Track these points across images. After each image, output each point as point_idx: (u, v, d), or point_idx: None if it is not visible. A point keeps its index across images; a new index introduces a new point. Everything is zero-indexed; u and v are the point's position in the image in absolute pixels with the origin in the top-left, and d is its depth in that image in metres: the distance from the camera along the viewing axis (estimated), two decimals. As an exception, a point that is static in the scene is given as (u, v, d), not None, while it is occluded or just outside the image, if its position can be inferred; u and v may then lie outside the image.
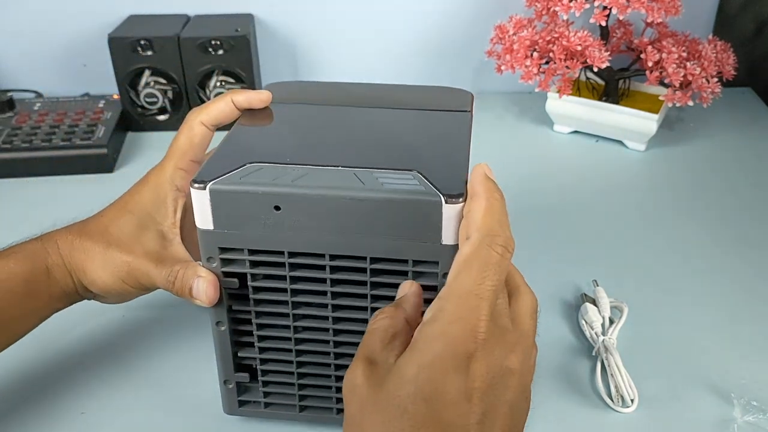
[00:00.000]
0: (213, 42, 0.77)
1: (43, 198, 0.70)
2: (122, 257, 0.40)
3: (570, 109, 0.77)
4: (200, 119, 0.42)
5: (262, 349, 0.40)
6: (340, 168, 0.35)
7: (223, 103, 0.42)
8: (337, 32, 0.87)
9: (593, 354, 0.49)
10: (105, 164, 0.74)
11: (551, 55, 0.71)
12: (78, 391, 0.47)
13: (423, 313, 0.31)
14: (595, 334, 0.50)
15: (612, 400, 0.46)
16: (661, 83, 0.73)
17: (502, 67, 0.74)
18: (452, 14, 0.86)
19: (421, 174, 0.34)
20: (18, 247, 0.42)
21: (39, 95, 0.86)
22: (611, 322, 0.51)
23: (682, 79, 0.69)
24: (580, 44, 0.69)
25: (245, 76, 0.79)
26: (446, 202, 0.33)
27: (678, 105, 0.72)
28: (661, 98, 0.75)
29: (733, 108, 0.85)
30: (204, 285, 0.36)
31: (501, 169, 0.72)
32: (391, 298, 0.36)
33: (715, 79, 0.71)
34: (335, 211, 0.34)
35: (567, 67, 0.71)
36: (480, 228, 0.30)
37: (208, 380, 0.45)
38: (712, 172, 0.74)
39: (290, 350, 0.40)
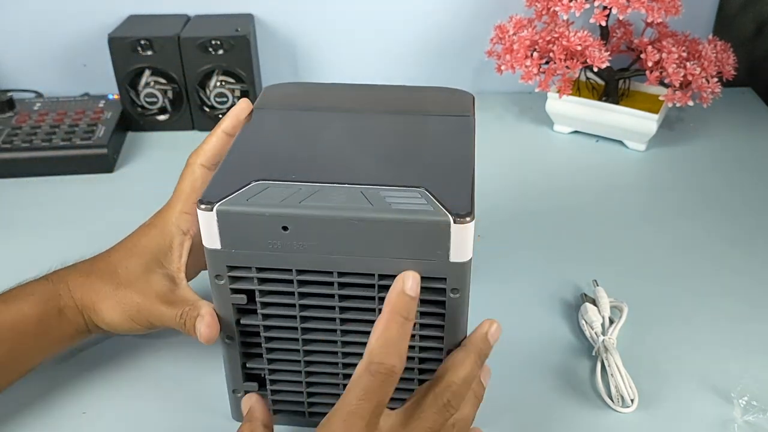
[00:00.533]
0: (213, 42, 0.77)
1: (43, 198, 0.70)
2: (132, 297, 0.41)
3: (570, 109, 0.77)
4: (200, 162, 0.43)
5: (270, 360, 0.40)
6: (346, 186, 0.35)
7: (215, 137, 0.43)
8: (337, 32, 0.87)
9: (593, 354, 0.49)
10: (105, 164, 0.73)
11: (551, 55, 0.71)
12: (79, 391, 0.47)
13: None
14: (595, 334, 0.50)
15: (612, 400, 0.46)
16: (661, 83, 0.73)
17: (502, 67, 0.74)
18: (452, 14, 0.86)
19: (428, 191, 0.34)
20: (30, 288, 0.43)
21: (39, 95, 0.85)
22: (611, 322, 0.51)
23: (682, 79, 0.69)
24: (580, 44, 0.69)
25: (245, 76, 0.79)
26: (455, 222, 0.33)
27: (678, 105, 0.72)
28: (661, 98, 0.75)
29: (733, 108, 0.85)
30: (199, 325, 0.38)
31: (501, 169, 0.74)
32: None
33: (715, 79, 0.71)
34: (343, 232, 0.34)
35: (567, 67, 0.71)
36: (370, 352, 0.33)
37: (213, 382, 0.45)
38: (712, 171, 0.74)
39: (299, 361, 0.40)
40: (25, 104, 0.81)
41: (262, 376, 0.41)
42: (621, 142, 0.78)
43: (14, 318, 0.41)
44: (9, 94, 0.80)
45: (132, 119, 0.81)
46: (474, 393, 0.38)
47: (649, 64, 0.70)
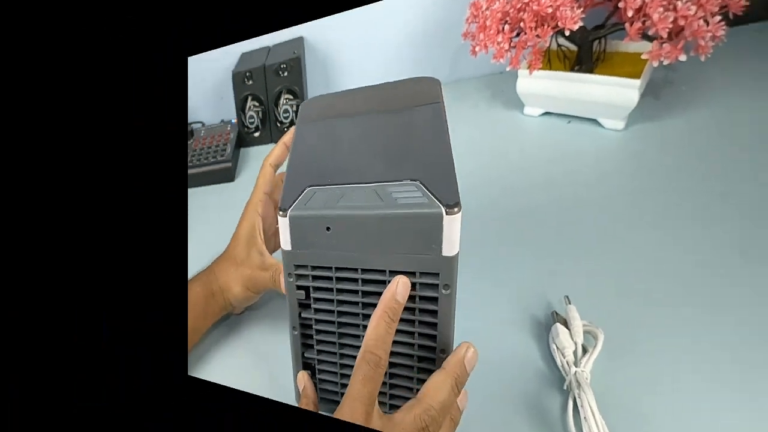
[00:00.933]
0: (281, 66, 0.67)
1: (204, 203, 0.63)
2: (245, 272, 0.40)
3: (540, 86, 0.48)
4: (269, 162, 0.41)
5: (318, 351, 0.32)
6: (362, 185, 0.27)
7: (279, 148, 0.41)
8: (348, 38, 0.68)
9: (564, 388, 0.30)
10: (229, 175, 0.69)
11: (521, 25, 0.43)
12: (209, 355, 0.41)
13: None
14: (567, 363, 0.31)
15: (586, 448, 0.28)
16: (645, 36, 0.40)
17: (476, 48, 0.48)
18: (451, 10, 0.59)
19: (422, 184, 0.26)
20: (199, 275, 0.42)
21: (203, 124, 0.85)
22: (584, 350, 0.31)
23: (671, 26, 0.36)
24: (551, 5, 0.41)
25: (299, 91, 0.68)
26: (446, 213, 0.25)
27: (666, 62, 0.38)
28: (644, 56, 0.40)
29: (745, 54, 0.42)
30: (280, 279, 0.37)
31: (469, 162, 0.45)
32: (409, 310, 0.28)
33: (718, 18, 0.36)
34: (362, 230, 0.27)
35: (537, 36, 0.43)
36: (365, 343, 0.28)
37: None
38: (715, 149, 0.38)
39: (335, 353, 0.32)
40: (197, 131, 0.81)
41: (313, 365, 0.33)
42: (596, 121, 0.45)
43: (194, 296, 0.41)
44: (190, 125, 0.80)
45: (242, 137, 0.76)
46: (451, 417, 0.29)
47: (629, 13, 0.38)
